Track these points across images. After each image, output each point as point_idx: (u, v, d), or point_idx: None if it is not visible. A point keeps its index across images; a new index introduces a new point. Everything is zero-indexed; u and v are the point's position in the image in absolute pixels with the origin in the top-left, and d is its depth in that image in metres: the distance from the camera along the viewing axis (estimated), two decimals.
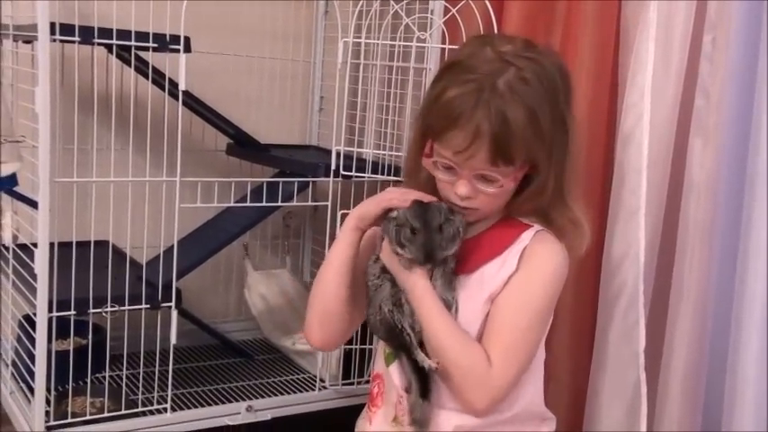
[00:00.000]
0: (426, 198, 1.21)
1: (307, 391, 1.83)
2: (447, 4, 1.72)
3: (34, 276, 1.48)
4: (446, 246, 1.17)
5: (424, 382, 1.21)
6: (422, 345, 1.20)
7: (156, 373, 1.65)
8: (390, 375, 1.27)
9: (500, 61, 1.15)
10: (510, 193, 1.22)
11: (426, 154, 1.22)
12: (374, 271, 1.26)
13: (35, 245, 1.47)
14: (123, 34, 1.53)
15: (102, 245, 1.68)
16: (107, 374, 1.66)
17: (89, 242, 1.61)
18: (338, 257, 1.27)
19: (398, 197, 1.22)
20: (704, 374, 1.49)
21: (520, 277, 1.20)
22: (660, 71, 1.49)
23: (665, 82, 1.50)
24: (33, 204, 1.47)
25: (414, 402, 1.22)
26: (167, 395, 1.63)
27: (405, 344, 1.20)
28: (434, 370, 1.16)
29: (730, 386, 1.39)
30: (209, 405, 1.72)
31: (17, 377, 1.68)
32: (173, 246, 1.63)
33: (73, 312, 1.54)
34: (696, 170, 1.47)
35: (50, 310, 1.49)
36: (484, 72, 1.14)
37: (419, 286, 1.19)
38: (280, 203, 1.78)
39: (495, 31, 1.65)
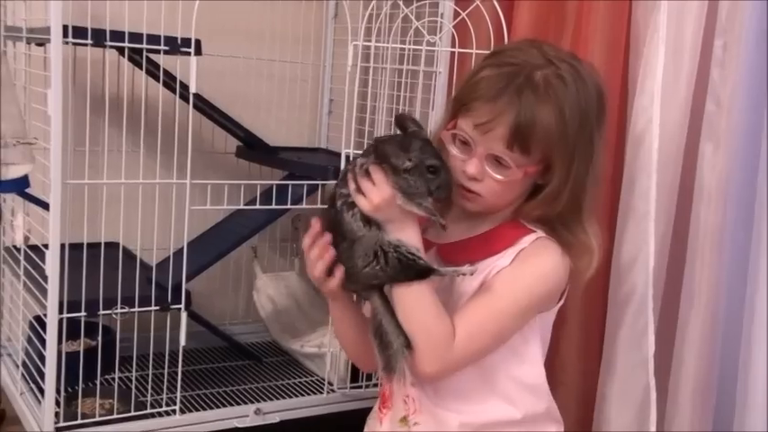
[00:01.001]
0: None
1: (315, 393, 1.84)
2: (457, 8, 1.72)
3: (45, 278, 1.49)
4: (452, 176, 1.19)
5: (401, 330, 1.18)
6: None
7: (166, 374, 1.65)
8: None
9: (543, 59, 1.17)
10: (516, 190, 1.21)
11: (447, 128, 1.22)
12: (357, 225, 1.18)
13: (46, 246, 1.48)
14: (135, 37, 1.54)
15: (112, 246, 1.69)
16: (116, 376, 1.66)
17: (99, 244, 1.61)
18: (339, 319, 1.31)
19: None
20: (715, 380, 1.48)
21: (510, 270, 1.20)
22: (670, 75, 1.49)
23: (676, 86, 1.50)
24: (45, 206, 1.48)
25: (396, 351, 1.17)
26: (176, 397, 1.64)
27: (421, 270, 1.17)
28: (471, 274, 1.18)
29: (741, 391, 1.39)
30: (218, 407, 1.72)
31: (27, 378, 1.69)
32: (182, 248, 1.63)
33: (83, 314, 1.54)
34: (707, 174, 1.46)
35: (61, 312, 1.50)
36: (524, 62, 1.16)
37: (416, 238, 1.18)
38: (289, 206, 1.78)
39: (506, 34, 1.65)
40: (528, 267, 1.20)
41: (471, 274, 1.18)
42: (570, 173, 1.18)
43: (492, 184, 1.19)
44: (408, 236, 1.18)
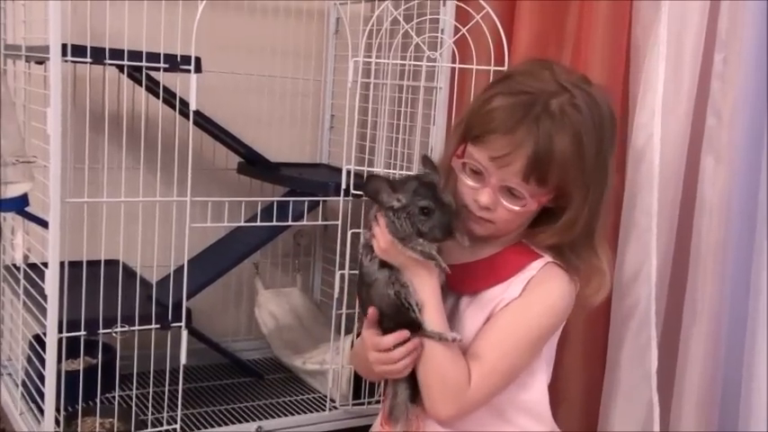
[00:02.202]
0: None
1: (317, 411, 1.82)
2: (457, 24, 1.72)
3: (44, 296, 1.49)
4: (454, 216, 1.15)
5: (414, 382, 1.19)
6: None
7: (166, 392, 1.64)
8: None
9: (556, 84, 1.15)
10: (530, 217, 1.21)
11: (458, 155, 1.21)
12: (371, 271, 1.21)
13: (46, 265, 1.48)
14: (134, 55, 1.54)
15: (112, 264, 1.69)
16: (117, 394, 1.66)
17: (99, 261, 1.61)
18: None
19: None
20: (718, 395, 1.47)
21: (519, 303, 1.18)
22: (671, 90, 1.49)
23: (676, 101, 1.50)
24: (44, 224, 1.48)
25: (399, 403, 1.20)
26: (177, 415, 1.63)
27: (412, 322, 1.17)
28: (458, 341, 1.15)
29: (744, 405, 1.38)
30: (220, 425, 1.71)
31: (27, 397, 1.68)
32: (183, 265, 1.63)
33: (83, 333, 1.54)
34: (708, 189, 1.46)
35: (60, 331, 1.49)
36: (539, 90, 1.14)
37: (427, 281, 1.17)
38: (290, 222, 1.78)
39: (506, 50, 1.65)
40: (536, 300, 1.18)
41: (454, 341, 1.16)
42: (586, 200, 1.16)
43: (504, 213, 1.18)
44: (421, 282, 1.17)
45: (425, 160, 1.22)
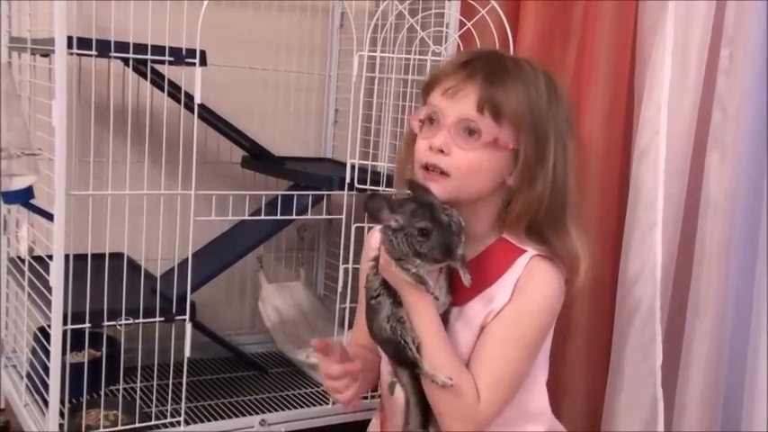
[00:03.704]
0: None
1: (320, 404, 1.83)
2: (462, 18, 1.72)
3: (49, 288, 1.49)
4: (458, 239, 1.12)
5: (425, 410, 1.20)
6: None
7: (170, 385, 1.64)
8: (393, 401, 1.26)
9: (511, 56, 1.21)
10: (485, 173, 1.16)
11: (413, 116, 1.20)
12: (375, 286, 1.21)
13: (50, 257, 1.48)
14: (140, 48, 1.54)
15: (117, 257, 1.69)
16: (121, 387, 1.66)
17: (104, 254, 1.61)
18: None
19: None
20: (722, 391, 1.47)
21: (511, 309, 1.17)
22: (677, 85, 1.49)
23: (682, 96, 1.50)
24: (49, 217, 1.48)
25: (410, 430, 1.21)
26: (181, 408, 1.63)
27: (408, 360, 1.17)
28: (449, 387, 1.13)
29: (748, 402, 1.38)
30: (223, 418, 1.71)
31: (31, 389, 1.68)
32: (187, 258, 1.63)
33: (87, 325, 1.54)
34: (713, 185, 1.46)
35: (65, 323, 1.50)
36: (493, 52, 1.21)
37: (420, 305, 1.15)
38: (294, 216, 1.78)
39: (511, 44, 1.65)
40: (527, 303, 1.17)
41: (444, 386, 1.13)
42: (546, 159, 1.14)
43: (460, 159, 1.14)
44: (417, 314, 1.15)
45: (411, 184, 1.19)
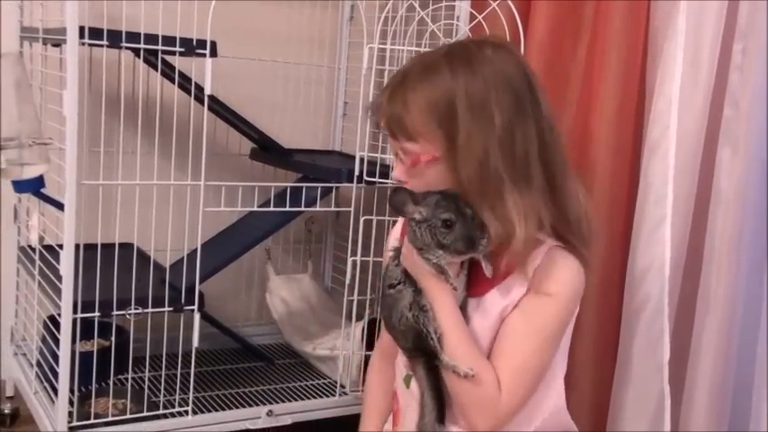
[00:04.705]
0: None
1: (327, 396, 1.83)
2: (473, 11, 1.71)
3: (59, 277, 1.50)
4: (481, 232, 1.13)
5: (440, 402, 1.20)
6: None
7: (179, 375, 1.65)
8: (408, 395, 1.26)
9: (436, 53, 1.18)
10: (436, 180, 1.17)
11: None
12: (396, 275, 1.22)
13: (61, 246, 1.48)
14: (150, 38, 1.54)
15: (126, 247, 1.70)
16: (130, 376, 1.67)
17: (114, 244, 1.62)
18: None
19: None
20: (730, 387, 1.47)
21: (531, 299, 1.17)
22: (689, 80, 1.48)
23: (694, 91, 1.49)
24: (59, 206, 1.49)
25: (426, 424, 1.20)
26: (189, 398, 1.64)
27: (429, 349, 1.18)
28: (471, 377, 1.14)
29: (757, 398, 1.38)
30: (230, 408, 1.72)
31: (41, 377, 1.69)
32: (196, 249, 1.63)
33: (97, 314, 1.55)
34: (724, 180, 1.45)
35: (75, 312, 1.50)
36: (412, 61, 1.20)
37: (441, 296, 1.17)
38: (303, 208, 1.78)
39: (522, 37, 1.65)
40: (548, 296, 1.16)
41: (466, 376, 1.14)
42: (457, 146, 1.13)
43: (413, 185, 1.18)
44: (438, 304, 1.17)
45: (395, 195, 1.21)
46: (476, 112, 1.13)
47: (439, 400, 1.20)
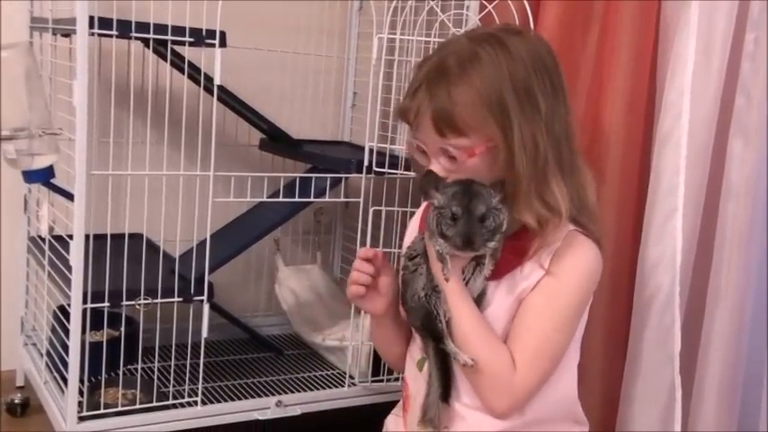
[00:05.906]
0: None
1: (336, 387, 1.83)
2: (483, 1, 1.70)
3: (69, 268, 1.50)
4: (488, 237, 1.12)
5: (446, 382, 1.20)
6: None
7: (188, 365, 1.65)
8: (420, 378, 1.26)
9: (465, 41, 1.16)
10: (486, 170, 1.16)
11: (407, 150, 1.25)
12: (419, 248, 1.23)
13: (71, 236, 1.49)
14: (160, 28, 1.54)
15: (136, 237, 1.70)
16: (139, 366, 1.67)
17: (123, 235, 1.62)
18: (378, 336, 1.36)
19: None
20: (741, 378, 1.46)
21: (550, 281, 1.17)
22: (700, 70, 1.47)
23: (706, 81, 1.48)
24: (69, 196, 1.49)
25: (431, 402, 1.21)
26: (198, 388, 1.64)
27: (437, 331, 1.18)
28: (470, 366, 1.14)
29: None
30: (240, 399, 1.73)
31: (51, 367, 1.70)
32: (205, 240, 1.63)
33: (107, 304, 1.55)
34: (735, 171, 1.44)
35: (84, 302, 1.51)
36: (441, 53, 1.17)
37: (456, 294, 1.17)
38: (312, 199, 1.78)
39: (532, 27, 1.63)
40: (566, 276, 1.17)
41: (465, 365, 1.15)
42: (511, 135, 1.13)
43: (458, 174, 1.16)
44: (448, 287, 1.17)
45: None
46: (522, 99, 1.14)
47: (445, 380, 1.20)
